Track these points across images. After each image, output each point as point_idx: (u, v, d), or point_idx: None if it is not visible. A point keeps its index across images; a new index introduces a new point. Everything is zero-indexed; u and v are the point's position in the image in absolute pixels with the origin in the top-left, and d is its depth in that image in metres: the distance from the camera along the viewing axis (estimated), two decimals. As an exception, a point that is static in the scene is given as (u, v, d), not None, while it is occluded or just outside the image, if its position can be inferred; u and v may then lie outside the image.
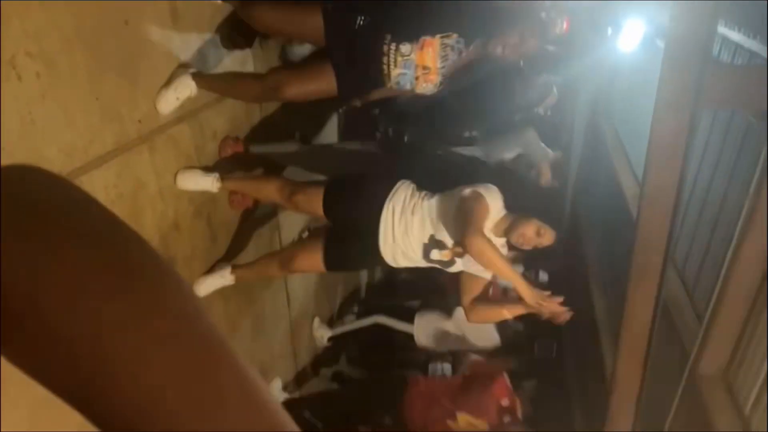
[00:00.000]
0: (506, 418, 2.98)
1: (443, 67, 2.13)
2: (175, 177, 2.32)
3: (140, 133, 2.09)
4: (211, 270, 2.56)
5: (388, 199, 2.27)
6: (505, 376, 3.15)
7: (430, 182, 2.36)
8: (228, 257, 2.71)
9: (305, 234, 3.19)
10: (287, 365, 3.59)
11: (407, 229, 2.25)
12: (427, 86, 2.16)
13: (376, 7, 2.14)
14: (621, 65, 3.99)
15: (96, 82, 1.83)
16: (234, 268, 2.58)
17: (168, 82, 2.17)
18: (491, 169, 2.83)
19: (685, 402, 2.48)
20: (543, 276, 4.60)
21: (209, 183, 2.39)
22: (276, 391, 3.28)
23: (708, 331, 2.41)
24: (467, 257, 2.20)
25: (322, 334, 4.00)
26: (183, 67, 2.23)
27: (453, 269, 2.30)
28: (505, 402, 3.02)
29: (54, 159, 1.74)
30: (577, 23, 3.56)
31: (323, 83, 2.20)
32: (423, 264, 2.32)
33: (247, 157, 2.69)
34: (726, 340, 2.35)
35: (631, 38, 3.35)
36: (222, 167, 2.53)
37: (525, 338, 4.14)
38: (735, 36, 2.50)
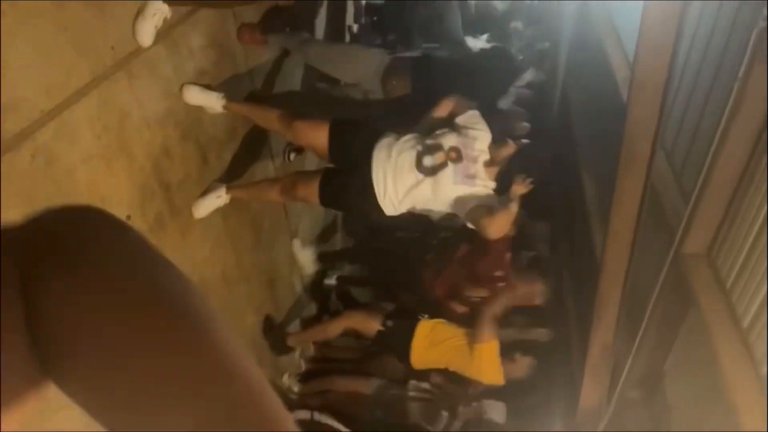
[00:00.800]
0: (500, 284, 3.41)
1: None
2: (181, 90, 2.38)
3: (116, 60, 2.02)
4: (205, 192, 2.59)
5: (380, 137, 2.34)
6: (495, 252, 3.46)
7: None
8: (221, 178, 2.73)
9: (292, 155, 3.23)
10: (292, 277, 3.73)
11: (400, 151, 2.29)
12: None
13: None
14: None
15: (62, 12, 1.74)
16: (229, 188, 2.60)
17: (140, 11, 2.06)
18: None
19: (669, 279, 2.62)
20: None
21: (214, 100, 2.43)
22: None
23: (693, 211, 2.50)
24: (459, 166, 2.24)
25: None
26: None
27: (443, 177, 2.26)
28: (499, 273, 3.42)
29: (33, 99, 1.71)
30: None
31: None
32: (416, 178, 2.28)
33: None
34: (711, 220, 2.44)
35: None
36: (220, 89, 2.56)
37: (520, 224, 4.28)
38: None
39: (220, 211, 2.74)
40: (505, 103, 3.56)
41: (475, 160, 2.28)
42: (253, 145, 3.04)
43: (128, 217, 2.15)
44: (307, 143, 2.47)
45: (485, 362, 2.93)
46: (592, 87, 4.08)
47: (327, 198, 2.43)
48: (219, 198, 2.58)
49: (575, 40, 4.34)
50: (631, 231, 2.76)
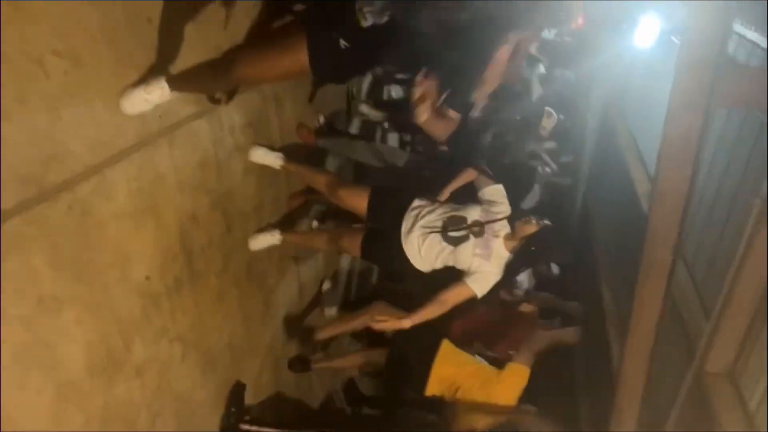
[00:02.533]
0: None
1: None
2: (248, 151, 2.75)
3: (161, 128, 2.14)
4: (262, 230, 2.94)
5: (409, 208, 2.64)
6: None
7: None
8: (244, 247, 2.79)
9: (315, 224, 3.40)
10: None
11: (428, 220, 2.57)
12: None
13: None
14: (636, 61, 3.97)
15: (120, 77, 1.88)
16: (283, 232, 2.99)
17: (142, 82, 1.98)
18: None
19: (690, 398, 2.51)
20: (555, 269, 4.65)
21: (273, 158, 2.80)
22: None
23: (716, 328, 2.43)
24: (480, 240, 2.47)
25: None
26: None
27: (464, 249, 2.49)
28: (512, 351, 3.33)
29: (79, 153, 1.80)
30: (593, 18, 3.59)
31: (288, 55, 1.98)
32: (441, 246, 2.52)
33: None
34: (733, 338, 2.37)
35: (647, 35, 3.34)
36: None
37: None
38: (751, 35, 2.50)
39: (235, 283, 2.77)
40: (530, 202, 3.76)
41: (496, 235, 2.48)
42: (276, 221, 3.12)
43: (147, 277, 2.17)
44: (348, 207, 2.78)
45: (511, 379, 2.91)
46: (612, 199, 4.15)
47: (366, 256, 2.79)
48: (273, 237, 2.94)
49: (597, 154, 4.47)
50: (650, 343, 2.68)
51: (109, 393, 2.03)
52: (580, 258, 4.55)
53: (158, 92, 1.98)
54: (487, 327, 3.50)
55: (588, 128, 4.64)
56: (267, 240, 2.94)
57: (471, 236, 2.48)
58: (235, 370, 2.87)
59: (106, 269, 1.98)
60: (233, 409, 2.83)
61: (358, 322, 3.29)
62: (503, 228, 2.50)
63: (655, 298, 2.55)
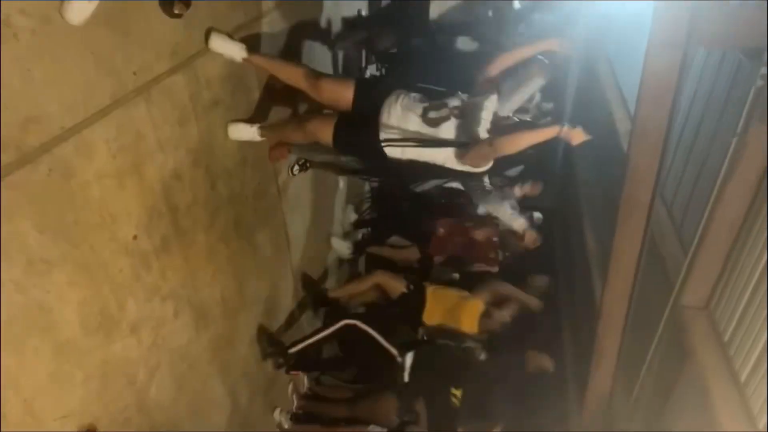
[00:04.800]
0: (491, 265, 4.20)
1: None
2: (208, 36, 2.42)
3: (136, 85, 2.10)
4: (244, 121, 2.81)
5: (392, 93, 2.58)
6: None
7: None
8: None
9: (296, 170, 3.52)
10: (291, 303, 3.74)
11: (408, 104, 2.53)
12: None
13: None
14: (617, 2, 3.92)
15: (90, 36, 1.82)
16: (261, 127, 2.84)
17: None
18: None
19: (668, 331, 2.62)
20: (537, 215, 4.71)
21: (236, 50, 2.50)
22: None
23: (692, 263, 2.52)
24: (461, 122, 2.44)
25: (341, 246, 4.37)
26: None
27: (443, 130, 2.46)
28: (492, 254, 4.19)
29: (56, 115, 1.77)
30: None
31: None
32: (420, 127, 2.48)
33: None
34: (709, 273, 2.46)
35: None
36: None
37: (522, 272, 4.29)
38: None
39: (223, 238, 2.78)
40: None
41: (477, 122, 2.42)
42: (260, 174, 3.11)
43: (135, 237, 2.19)
44: (331, 99, 2.63)
45: (470, 310, 3.54)
46: (594, 137, 4.16)
47: (340, 140, 2.62)
48: (252, 129, 2.80)
49: (579, 98, 4.45)
50: (630, 279, 2.77)
51: (106, 351, 2.08)
52: (564, 202, 4.61)
53: None
54: (461, 240, 4.03)
55: (569, 71, 4.60)
56: (247, 131, 2.80)
57: (452, 117, 2.45)
58: (229, 324, 2.93)
59: (93, 230, 1.99)
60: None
61: (364, 284, 3.72)
62: (485, 121, 2.44)
63: (635, 236, 2.61)
